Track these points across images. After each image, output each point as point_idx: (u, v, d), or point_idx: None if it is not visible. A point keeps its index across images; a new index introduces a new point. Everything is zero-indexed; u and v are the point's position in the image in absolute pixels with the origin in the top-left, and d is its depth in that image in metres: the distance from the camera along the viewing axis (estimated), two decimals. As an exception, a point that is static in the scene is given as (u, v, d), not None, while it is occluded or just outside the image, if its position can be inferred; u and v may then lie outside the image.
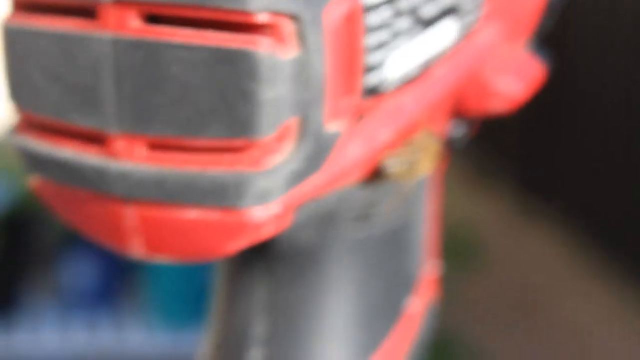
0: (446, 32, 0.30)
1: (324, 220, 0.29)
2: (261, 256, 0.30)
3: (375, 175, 0.29)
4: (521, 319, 1.72)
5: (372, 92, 0.27)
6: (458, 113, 0.33)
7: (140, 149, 0.25)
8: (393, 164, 0.29)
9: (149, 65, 0.24)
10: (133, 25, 0.24)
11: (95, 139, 0.25)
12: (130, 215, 0.25)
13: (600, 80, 1.83)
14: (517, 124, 1.98)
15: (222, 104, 0.24)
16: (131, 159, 0.25)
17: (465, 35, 0.31)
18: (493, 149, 2.07)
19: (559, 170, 1.95)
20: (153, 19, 0.24)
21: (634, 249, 1.75)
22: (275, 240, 0.30)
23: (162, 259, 0.26)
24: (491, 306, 1.78)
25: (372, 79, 0.27)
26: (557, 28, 1.84)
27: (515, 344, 1.67)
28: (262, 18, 0.23)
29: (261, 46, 0.23)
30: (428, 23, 0.29)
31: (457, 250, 1.67)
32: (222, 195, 0.25)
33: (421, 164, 0.30)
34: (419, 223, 0.33)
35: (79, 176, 0.25)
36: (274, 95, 0.24)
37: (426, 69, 0.29)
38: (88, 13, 0.24)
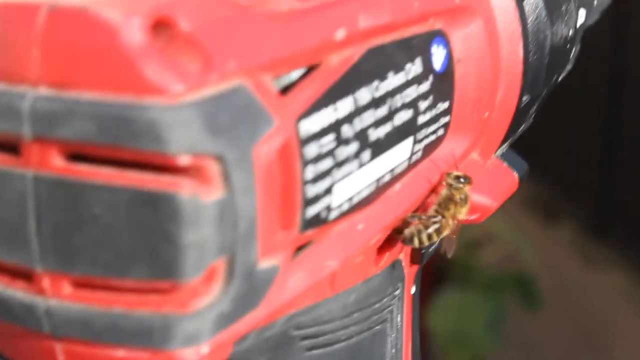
0: (403, 154, 0.29)
1: (274, 343, 0.29)
2: None
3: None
4: (592, 352, 1.70)
5: (315, 222, 0.26)
6: None
7: (66, 288, 0.24)
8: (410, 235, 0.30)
9: (70, 204, 0.23)
10: (55, 163, 0.23)
11: (22, 275, 0.25)
12: (59, 351, 0.25)
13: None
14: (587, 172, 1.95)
15: (145, 246, 0.23)
16: (57, 296, 0.24)
17: (427, 154, 0.30)
18: (561, 194, 2.04)
19: (619, 211, 1.91)
20: (79, 156, 0.24)
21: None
22: None
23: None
24: (558, 346, 1.76)
25: (313, 210, 0.26)
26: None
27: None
28: (183, 160, 0.23)
29: (183, 189, 0.23)
30: (380, 147, 0.28)
31: (523, 292, 1.65)
32: (149, 337, 0.24)
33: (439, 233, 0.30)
34: (385, 337, 0.32)
35: (7, 311, 0.25)
36: (198, 238, 0.23)
37: (380, 191, 0.28)
38: (12, 148, 0.24)
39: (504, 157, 0.33)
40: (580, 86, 1.94)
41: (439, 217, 0.30)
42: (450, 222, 0.30)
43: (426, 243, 0.30)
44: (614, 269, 1.87)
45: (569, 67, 0.37)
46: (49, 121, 0.23)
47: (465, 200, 0.30)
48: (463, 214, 0.30)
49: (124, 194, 0.23)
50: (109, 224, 0.23)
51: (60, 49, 0.23)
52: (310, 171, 0.25)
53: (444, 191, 0.30)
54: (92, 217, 0.23)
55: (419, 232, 0.30)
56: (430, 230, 0.30)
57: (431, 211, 0.30)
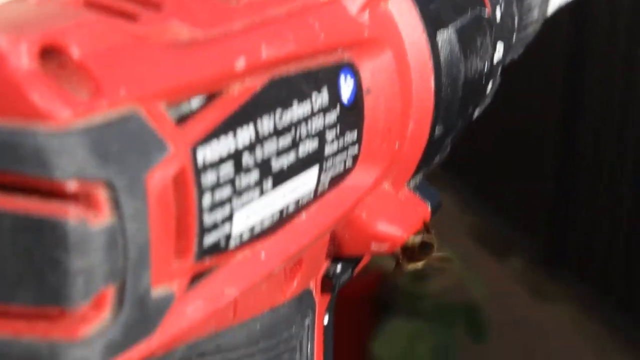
0: (308, 184, 0.29)
1: None
2: None
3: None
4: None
5: (214, 250, 0.26)
6: (338, 253, 0.32)
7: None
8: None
9: None
10: None
11: None
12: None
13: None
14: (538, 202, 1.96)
15: (31, 272, 0.23)
16: None
17: (334, 184, 0.30)
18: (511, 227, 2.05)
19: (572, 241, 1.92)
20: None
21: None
22: None
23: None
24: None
25: (211, 239, 0.26)
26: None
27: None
28: (70, 186, 0.22)
29: (70, 215, 0.23)
30: (284, 176, 0.28)
31: (470, 323, 1.65)
32: None
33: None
34: None
35: None
36: (85, 264, 0.23)
37: (284, 221, 0.28)
38: None
39: (417, 188, 0.33)
40: (532, 118, 1.95)
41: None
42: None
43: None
44: (563, 301, 1.88)
45: (487, 100, 0.37)
46: None
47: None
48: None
49: (10, 219, 0.23)
50: None
51: None
52: (208, 199, 0.25)
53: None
54: None
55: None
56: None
57: None
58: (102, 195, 0.23)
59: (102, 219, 0.23)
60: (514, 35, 0.37)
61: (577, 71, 1.81)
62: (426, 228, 0.32)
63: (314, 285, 0.32)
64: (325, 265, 0.32)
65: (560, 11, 0.44)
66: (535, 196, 1.98)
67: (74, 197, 0.23)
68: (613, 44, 1.71)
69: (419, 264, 0.33)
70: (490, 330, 1.64)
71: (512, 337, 1.82)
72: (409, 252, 0.32)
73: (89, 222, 0.23)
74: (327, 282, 0.33)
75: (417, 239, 0.32)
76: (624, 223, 1.75)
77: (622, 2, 1.68)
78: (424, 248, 0.33)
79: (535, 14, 0.39)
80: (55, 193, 0.23)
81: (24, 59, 0.22)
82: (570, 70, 1.83)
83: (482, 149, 1.93)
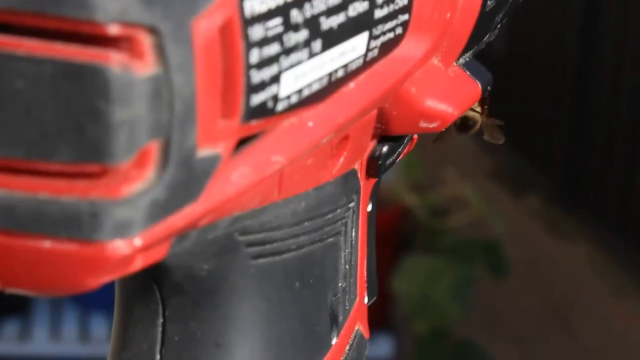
0: (358, 49, 0.27)
1: (218, 248, 0.27)
2: (155, 286, 0.28)
3: None
4: (557, 322, 1.69)
5: (261, 112, 0.24)
6: (385, 131, 0.30)
7: (-15, 171, 0.22)
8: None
9: None
10: None
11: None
12: (-20, 243, 0.23)
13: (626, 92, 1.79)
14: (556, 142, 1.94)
15: (71, 125, 0.21)
16: None
17: (384, 53, 0.28)
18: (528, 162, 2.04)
19: (587, 180, 1.91)
20: (1, 27, 0.22)
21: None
22: (168, 268, 0.27)
23: (18, 291, 0.24)
24: (523, 314, 1.75)
25: (258, 99, 0.24)
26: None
27: (553, 345, 1.64)
28: (113, 30, 0.21)
29: (112, 61, 0.21)
30: (333, 38, 0.26)
31: (489, 259, 1.63)
32: (77, 225, 0.22)
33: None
34: (339, 251, 0.30)
35: None
36: (129, 116, 0.21)
37: (333, 87, 0.27)
38: None
39: (466, 66, 0.32)
40: (550, 57, 1.93)
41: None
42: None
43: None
44: (580, 239, 1.87)
45: None
46: None
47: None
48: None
49: (48, 67, 0.21)
50: (32, 99, 0.21)
51: None
52: (255, 55, 0.23)
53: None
54: (14, 92, 0.21)
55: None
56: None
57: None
58: (146, 40, 0.21)
59: (146, 67, 0.21)
60: None
61: (595, 14, 1.78)
62: (483, 101, 0.31)
63: (360, 167, 0.31)
64: (371, 145, 0.31)
65: None
66: (552, 137, 1.96)
67: (116, 42, 0.21)
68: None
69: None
70: (509, 267, 1.63)
71: (529, 273, 1.81)
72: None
73: (133, 70, 0.21)
74: (373, 164, 0.31)
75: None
76: (638, 163, 1.73)
77: None
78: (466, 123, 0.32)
79: None
80: (96, 37, 0.21)
81: None
82: (588, 12, 1.80)
83: (499, 92, 1.91)
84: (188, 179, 0.23)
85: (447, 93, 0.30)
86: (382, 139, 0.31)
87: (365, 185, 0.31)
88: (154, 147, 0.22)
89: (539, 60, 1.94)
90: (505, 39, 1.93)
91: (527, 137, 1.98)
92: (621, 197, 1.79)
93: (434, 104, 0.30)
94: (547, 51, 1.92)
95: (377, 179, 0.32)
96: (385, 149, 0.31)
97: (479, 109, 0.38)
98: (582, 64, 1.84)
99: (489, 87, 0.32)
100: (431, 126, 0.30)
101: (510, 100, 1.99)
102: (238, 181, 0.24)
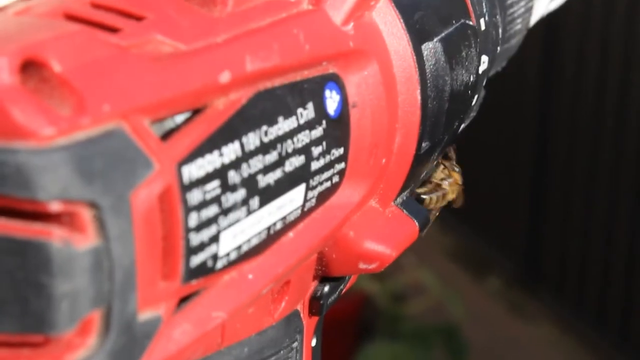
0: (295, 201, 0.28)
1: None
2: None
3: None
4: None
5: (201, 272, 0.25)
6: (326, 273, 0.31)
7: None
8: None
9: None
10: None
11: None
12: None
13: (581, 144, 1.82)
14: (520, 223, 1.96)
15: (14, 297, 0.22)
16: None
17: (322, 201, 0.29)
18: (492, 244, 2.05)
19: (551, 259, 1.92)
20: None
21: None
22: None
23: None
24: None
25: (198, 259, 0.25)
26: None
27: None
28: (54, 207, 0.22)
29: (54, 237, 0.22)
30: (270, 194, 0.27)
31: (449, 344, 1.64)
32: None
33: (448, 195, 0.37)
34: None
35: None
36: (71, 288, 0.22)
37: (272, 239, 0.27)
38: None
39: (404, 205, 0.33)
40: (509, 138, 1.95)
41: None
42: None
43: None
44: (542, 320, 1.87)
45: (472, 114, 0.36)
46: None
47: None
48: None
49: None
50: None
51: None
52: (194, 218, 0.24)
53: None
54: None
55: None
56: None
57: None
58: (86, 215, 0.22)
59: (86, 240, 0.22)
60: (499, 47, 0.37)
61: (549, 92, 1.81)
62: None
63: (302, 307, 0.31)
64: (313, 286, 0.32)
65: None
66: (512, 217, 1.98)
67: (57, 218, 0.22)
68: (583, 66, 1.71)
69: None
70: (470, 350, 1.63)
71: (491, 356, 1.81)
72: None
73: (74, 244, 0.22)
74: (315, 303, 0.32)
75: None
76: (598, 243, 1.75)
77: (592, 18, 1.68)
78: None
79: (519, 24, 0.39)
80: (38, 214, 0.22)
81: (4, 74, 0.21)
82: (542, 93, 1.83)
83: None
84: (130, 343, 0.23)
85: (384, 234, 0.31)
86: (324, 279, 0.32)
87: (309, 323, 0.32)
88: (95, 316, 0.23)
89: (497, 141, 1.97)
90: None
91: (487, 218, 2.00)
92: (580, 277, 1.81)
93: (372, 246, 0.31)
94: (505, 131, 1.94)
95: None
96: (326, 288, 0.32)
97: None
98: (539, 146, 1.87)
99: (425, 224, 0.33)
100: (370, 267, 0.31)
101: (470, 180, 2.01)
102: (180, 338, 0.25)
